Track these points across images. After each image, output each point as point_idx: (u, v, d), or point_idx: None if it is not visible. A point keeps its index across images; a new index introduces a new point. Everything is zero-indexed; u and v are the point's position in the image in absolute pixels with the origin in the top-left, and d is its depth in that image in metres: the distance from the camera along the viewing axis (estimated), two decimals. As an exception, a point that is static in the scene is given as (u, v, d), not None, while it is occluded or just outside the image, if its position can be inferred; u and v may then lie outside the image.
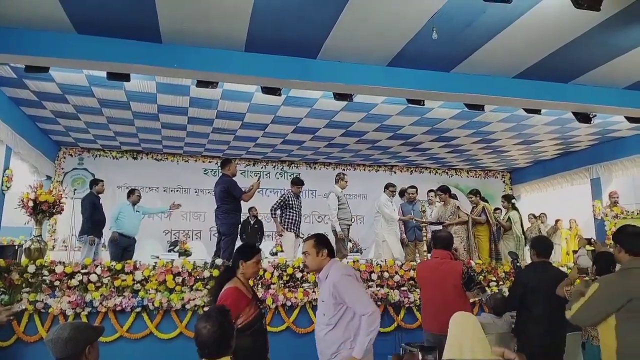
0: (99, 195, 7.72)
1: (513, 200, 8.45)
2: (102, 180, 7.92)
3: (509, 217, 7.92)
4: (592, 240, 6.48)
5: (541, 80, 6.22)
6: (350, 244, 8.43)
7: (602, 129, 8.54)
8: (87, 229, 7.29)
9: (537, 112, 6.90)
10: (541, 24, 4.80)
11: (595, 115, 6.97)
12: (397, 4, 4.50)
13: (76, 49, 5.11)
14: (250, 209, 9.41)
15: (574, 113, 6.98)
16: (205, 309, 5.05)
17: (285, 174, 11.56)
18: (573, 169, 10.62)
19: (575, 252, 7.71)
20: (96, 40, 5.12)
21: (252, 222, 9.44)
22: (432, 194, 8.70)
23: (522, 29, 4.88)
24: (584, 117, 6.93)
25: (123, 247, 7.46)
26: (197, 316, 5.14)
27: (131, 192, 8.00)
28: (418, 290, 5.80)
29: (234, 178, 6.40)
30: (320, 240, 3.35)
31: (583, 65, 5.90)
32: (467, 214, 7.25)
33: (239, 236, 8.02)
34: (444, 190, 7.58)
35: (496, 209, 8.75)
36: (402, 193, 8.32)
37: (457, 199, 7.65)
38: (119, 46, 5.16)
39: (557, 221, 10.34)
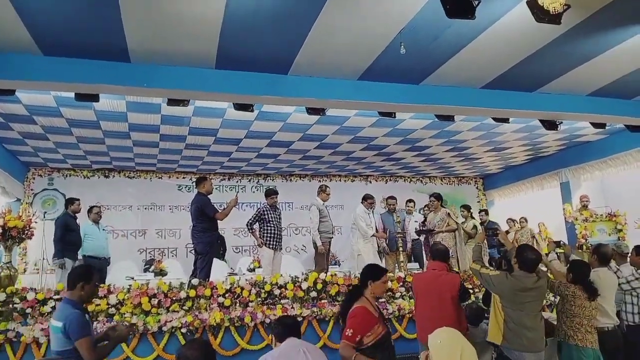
0: (76, 214, 7.38)
1: (472, 210, 8.62)
2: (77, 200, 7.52)
3: (474, 225, 8.04)
4: (562, 243, 6.66)
5: (508, 90, 6.38)
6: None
7: (569, 134, 8.78)
8: (57, 251, 6.96)
9: (506, 120, 7.05)
10: (505, 37, 4.94)
11: (561, 122, 7.17)
12: (365, 20, 4.58)
13: (42, 70, 5.04)
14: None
15: (540, 120, 7.15)
16: (183, 330, 5.02)
17: (261, 187, 11.48)
18: (543, 174, 10.89)
19: (546, 255, 7.84)
20: (63, 61, 5.06)
21: None
22: (412, 204, 8.77)
23: (487, 42, 5.01)
24: (550, 124, 7.11)
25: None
26: (174, 338, 5.07)
27: (89, 211, 7.57)
28: (397, 302, 5.85)
29: (209, 195, 6.34)
30: (272, 331, 3.32)
31: (547, 75, 6.07)
32: (457, 222, 7.30)
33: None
34: (437, 197, 7.60)
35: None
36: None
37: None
38: (87, 67, 5.11)
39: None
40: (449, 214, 7.33)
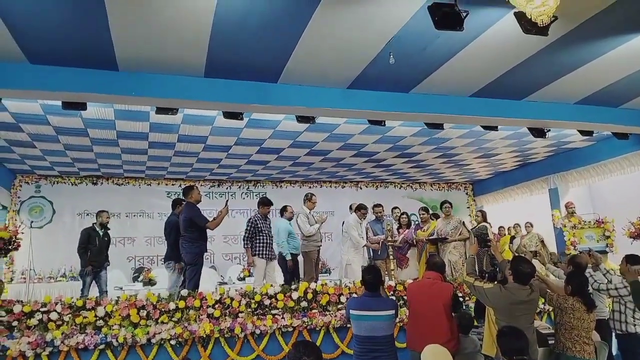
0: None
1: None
2: (185, 200, 6.65)
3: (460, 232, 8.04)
4: (537, 253, 6.84)
5: (496, 98, 6.41)
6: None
7: (557, 141, 8.85)
8: (172, 255, 6.70)
9: (494, 128, 7.08)
10: (493, 47, 4.96)
11: (549, 130, 7.22)
12: (354, 30, 4.57)
13: (29, 79, 4.97)
14: (98, 214, 7.78)
15: (529, 128, 7.20)
16: (172, 342, 4.97)
17: (251, 193, 11.48)
18: (531, 180, 10.97)
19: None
20: (50, 70, 4.99)
21: (101, 234, 7.63)
22: (397, 210, 8.74)
23: (476, 51, 5.03)
24: (538, 132, 7.16)
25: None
26: (163, 350, 5.01)
27: (284, 210, 7.57)
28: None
29: (198, 205, 6.28)
30: None
31: (535, 83, 6.11)
32: (469, 231, 7.32)
33: (85, 248, 7.15)
34: (450, 205, 7.60)
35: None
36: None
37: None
38: (74, 75, 5.05)
39: (500, 228, 10.15)
40: (463, 222, 7.34)
